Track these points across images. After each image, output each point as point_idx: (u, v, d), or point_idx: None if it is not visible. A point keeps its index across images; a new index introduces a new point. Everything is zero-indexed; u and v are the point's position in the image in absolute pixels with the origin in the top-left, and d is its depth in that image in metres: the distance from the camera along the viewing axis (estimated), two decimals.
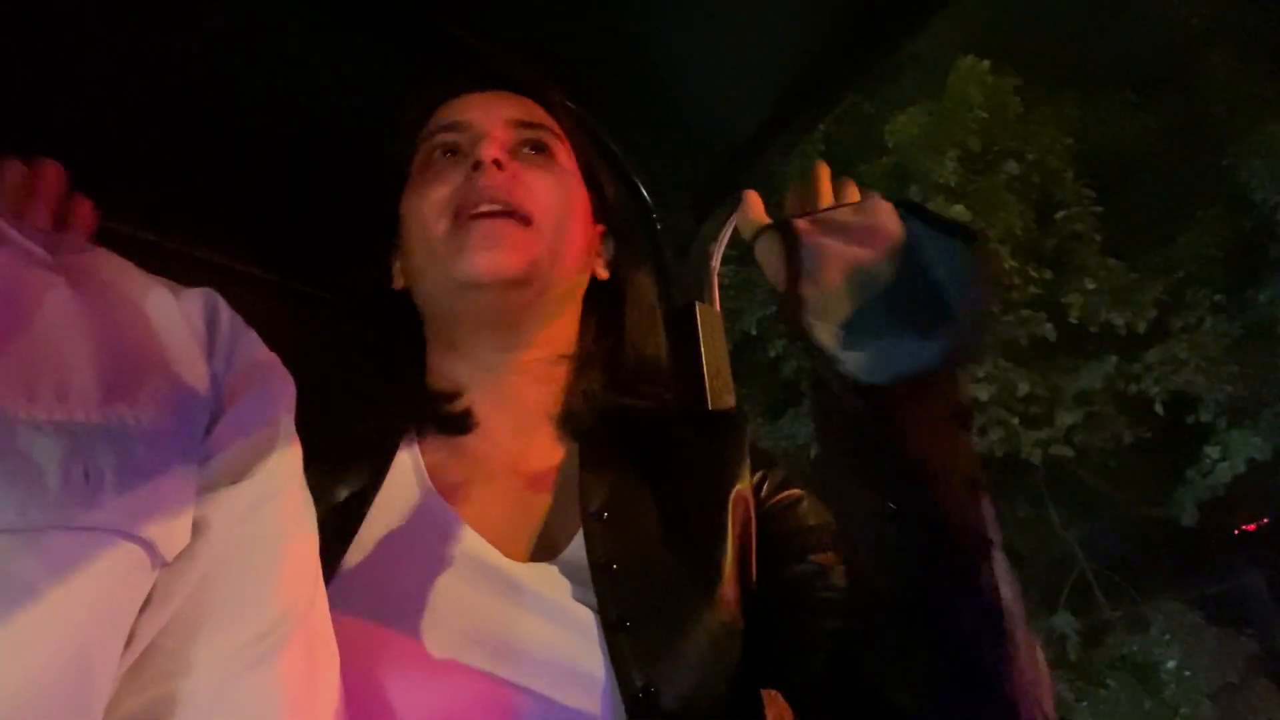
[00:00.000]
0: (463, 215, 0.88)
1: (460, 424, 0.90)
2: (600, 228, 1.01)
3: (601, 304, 0.99)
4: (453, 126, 0.94)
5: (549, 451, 0.91)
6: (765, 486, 0.91)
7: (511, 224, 0.88)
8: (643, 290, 1.03)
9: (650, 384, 0.98)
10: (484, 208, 0.88)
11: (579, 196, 0.96)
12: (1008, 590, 0.67)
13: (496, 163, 0.89)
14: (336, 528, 0.77)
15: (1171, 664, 7.91)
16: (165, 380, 0.53)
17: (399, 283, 0.97)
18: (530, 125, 0.95)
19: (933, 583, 0.68)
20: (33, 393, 0.46)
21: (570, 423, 0.93)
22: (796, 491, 0.92)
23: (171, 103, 1.03)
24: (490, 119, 0.94)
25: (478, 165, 0.89)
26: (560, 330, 0.96)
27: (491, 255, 0.87)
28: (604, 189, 1.02)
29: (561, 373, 0.95)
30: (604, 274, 1.00)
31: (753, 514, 0.88)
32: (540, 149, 0.95)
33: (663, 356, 1.01)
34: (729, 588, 0.82)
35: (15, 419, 0.45)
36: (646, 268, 1.05)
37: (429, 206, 0.91)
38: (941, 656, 0.68)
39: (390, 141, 0.99)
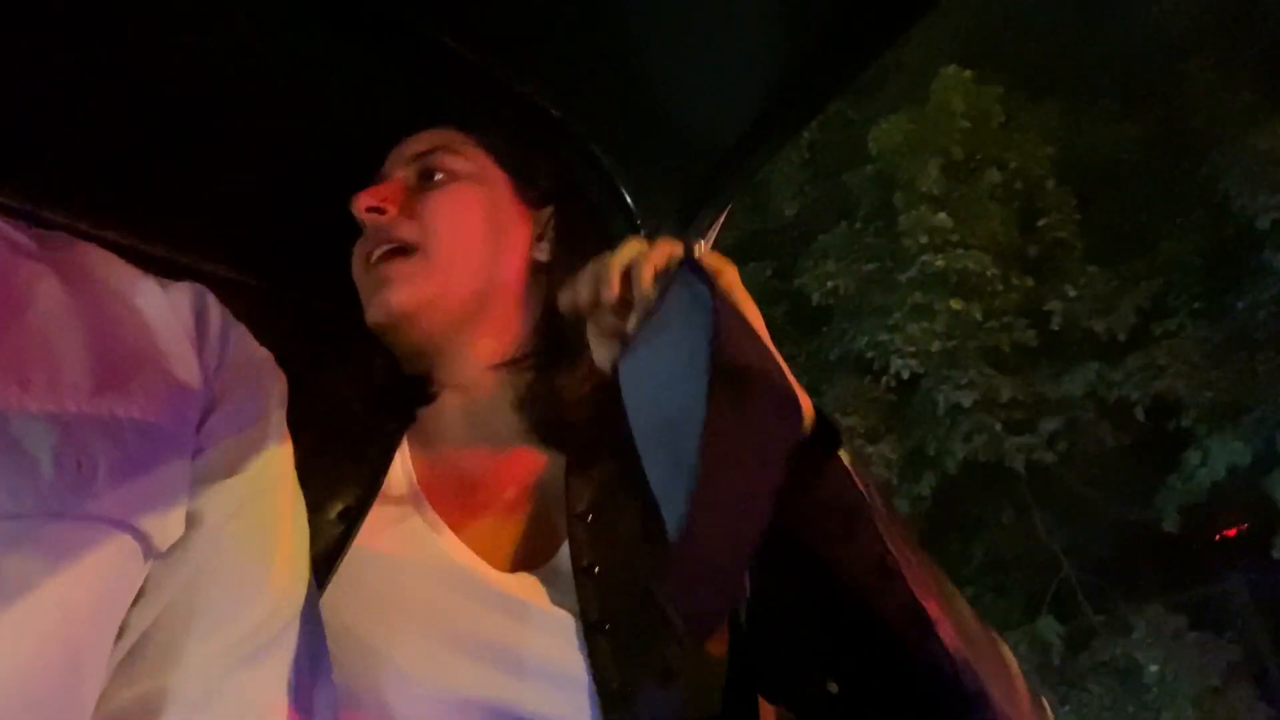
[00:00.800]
0: (361, 265, 0.94)
1: (425, 394, 0.92)
2: (534, 211, 1.00)
3: (550, 287, 0.96)
4: (376, 180, 0.98)
5: (531, 458, 0.91)
6: None
7: (397, 261, 0.92)
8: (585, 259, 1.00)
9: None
10: (374, 253, 0.93)
11: (480, 197, 0.96)
12: (960, 645, 0.67)
13: (375, 210, 0.93)
14: (328, 544, 0.78)
15: (1154, 668, 7.95)
16: (156, 373, 0.54)
17: None
18: (423, 154, 0.97)
19: (879, 664, 0.69)
20: (25, 383, 0.47)
21: (544, 430, 0.92)
22: None
23: (161, 110, 1.03)
24: (394, 165, 0.98)
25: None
26: (501, 329, 0.95)
27: (381, 297, 0.90)
28: (536, 174, 1.02)
29: (525, 371, 0.94)
30: (544, 257, 0.98)
31: None
32: (433, 174, 0.96)
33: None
34: None
35: (8, 409, 0.45)
36: (594, 236, 1.00)
37: (354, 256, 0.96)
38: (914, 708, 0.70)
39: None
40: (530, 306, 0.96)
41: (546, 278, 0.96)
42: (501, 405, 0.92)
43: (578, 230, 1.01)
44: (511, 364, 0.93)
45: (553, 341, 0.94)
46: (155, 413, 0.52)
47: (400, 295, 0.90)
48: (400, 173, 0.96)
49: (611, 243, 0.83)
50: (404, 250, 0.91)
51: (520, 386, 0.93)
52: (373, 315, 0.91)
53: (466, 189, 0.96)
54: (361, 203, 0.93)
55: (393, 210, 0.93)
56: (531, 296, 0.97)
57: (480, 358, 0.93)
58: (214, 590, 0.53)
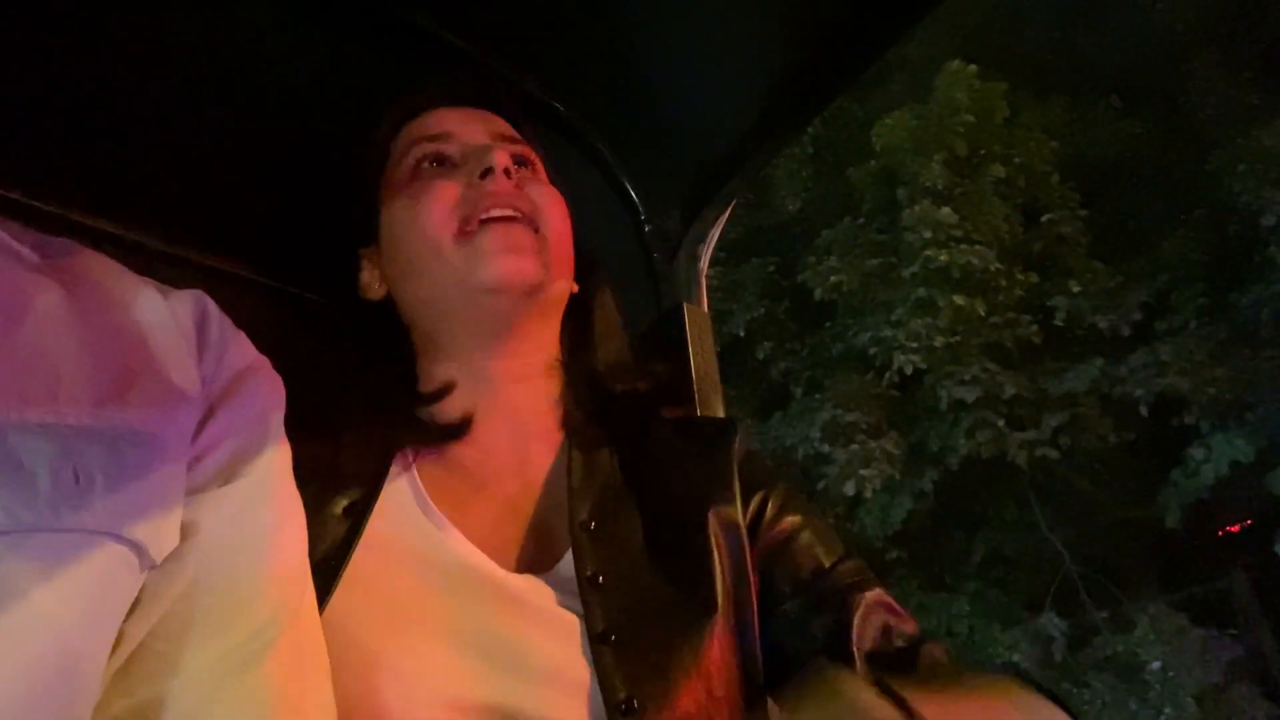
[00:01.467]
0: (473, 220, 0.88)
1: (456, 431, 0.89)
2: None
3: (574, 315, 1.00)
4: (440, 137, 0.94)
5: (540, 460, 0.91)
6: (767, 510, 0.90)
7: (527, 230, 0.89)
8: (609, 302, 1.03)
9: (624, 379, 0.97)
10: (496, 212, 0.87)
11: (564, 208, 0.96)
12: None
13: (506, 171, 0.90)
14: (334, 541, 0.77)
15: (1156, 665, 7.95)
16: (155, 382, 0.54)
17: (377, 292, 0.95)
18: (516, 141, 0.96)
19: None
20: (24, 395, 0.46)
21: (562, 425, 0.93)
22: (796, 519, 0.90)
23: (161, 103, 1.02)
24: (481, 133, 0.94)
25: (487, 172, 0.89)
26: (549, 336, 0.96)
27: (515, 261, 0.87)
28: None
29: (550, 376, 0.95)
30: (575, 287, 0.99)
31: (745, 540, 0.86)
32: (528, 164, 0.96)
33: (629, 359, 1.00)
34: (723, 613, 0.80)
35: (6, 421, 0.45)
36: (609, 287, 1.05)
37: (432, 213, 0.89)
38: None
39: (360, 150, 0.98)
40: (561, 322, 0.98)
41: (575, 307, 0.99)
42: (522, 400, 0.92)
43: (601, 273, 1.03)
44: (542, 367, 0.94)
45: (571, 357, 0.96)
46: (153, 423, 0.52)
47: (534, 266, 0.88)
48: (499, 150, 0.91)
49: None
50: (529, 223, 0.89)
51: (544, 386, 0.94)
52: (495, 274, 0.86)
53: (559, 194, 0.96)
54: (503, 160, 0.90)
55: (515, 183, 0.91)
56: (564, 314, 0.98)
57: (528, 354, 0.93)
58: (210, 599, 0.53)
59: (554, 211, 0.93)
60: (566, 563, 0.81)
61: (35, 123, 0.97)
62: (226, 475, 0.56)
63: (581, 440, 0.91)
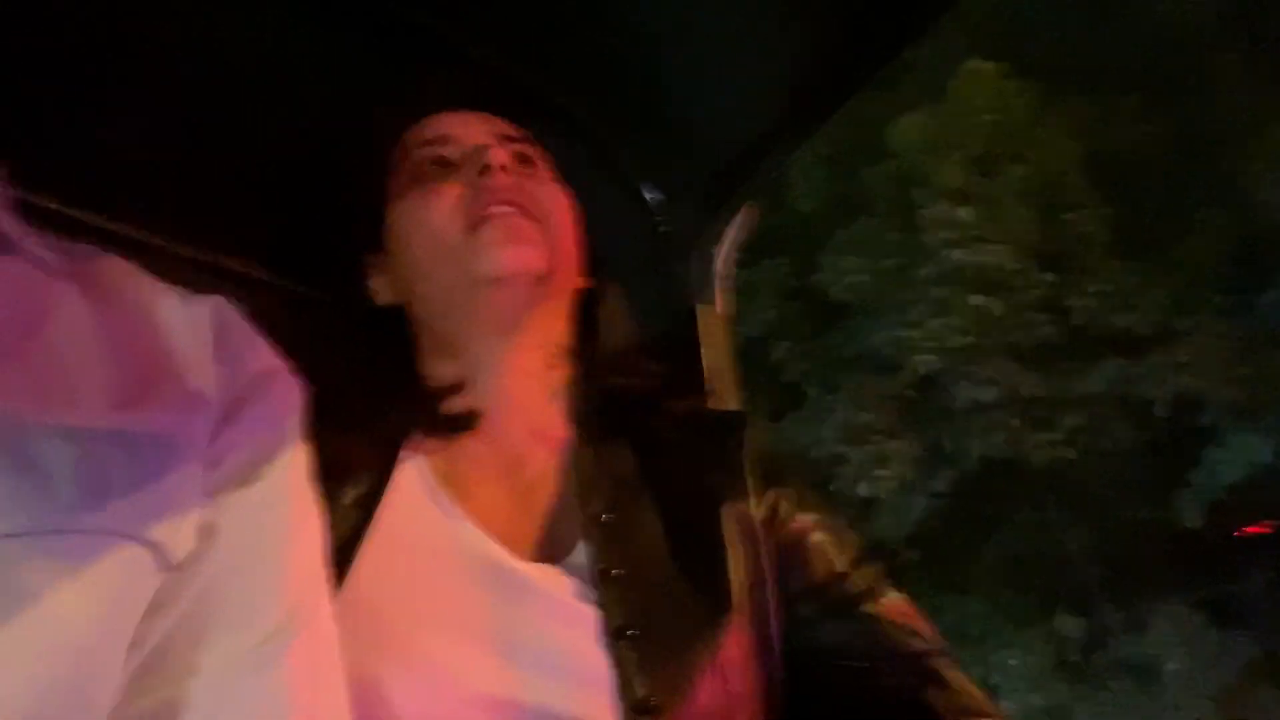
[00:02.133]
0: (474, 217, 0.89)
1: (463, 422, 0.89)
2: None
3: (582, 310, 1.00)
4: (441, 140, 0.95)
5: (549, 454, 0.90)
6: (781, 508, 0.90)
7: (528, 220, 0.89)
8: (615, 297, 1.03)
9: (630, 370, 0.98)
10: (495, 209, 0.88)
11: (570, 205, 0.97)
12: None
13: (504, 168, 0.90)
14: (345, 532, 0.77)
15: (1172, 666, 7.92)
16: (174, 386, 0.54)
17: (385, 298, 0.96)
18: (516, 139, 0.97)
19: None
20: (45, 399, 0.47)
21: (570, 414, 0.93)
22: (809, 519, 0.90)
23: (165, 103, 1.03)
24: (479, 133, 0.95)
25: (485, 170, 0.90)
26: (558, 329, 0.96)
27: (517, 250, 0.87)
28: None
29: (559, 370, 0.95)
30: (584, 283, 0.99)
31: (762, 538, 0.87)
32: (529, 161, 0.96)
33: (634, 354, 1.00)
34: (740, 610, 0.80)
35: (27, 425, 0.45)
36: (616, 283, 1.05)
37: (437, 213, 0.90)
38: None
39: (361, 157, 0.99)
40: (571, 315, 0.98)
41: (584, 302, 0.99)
42: (529, 392, 0.92)
43: (607, 269, 1.03)
44: (549, 357, 0.94)
45: (578, 347, 0.96)
46: (172, 426, 0.52)
47: (536, 254, 0.88)
48: (497, 149, 0.92)
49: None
50: (530, 215, 0.90)
51: (551, 376, 0.93)
52: (497, 263, 0.87)
53: (565, 193, 0.96)
54: (500, 158, 0.90)
55: (515, 179, 0.91)
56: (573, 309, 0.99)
57: (535, 347, 0.93)
58: (229, 599, 0.53)
59: (556, 206, 0.93)
60: (579, 555, 0.81)
61: (46, 125, 0.97)
62: (245, 478, 0.56)
63: (590, 434, 0.91)
